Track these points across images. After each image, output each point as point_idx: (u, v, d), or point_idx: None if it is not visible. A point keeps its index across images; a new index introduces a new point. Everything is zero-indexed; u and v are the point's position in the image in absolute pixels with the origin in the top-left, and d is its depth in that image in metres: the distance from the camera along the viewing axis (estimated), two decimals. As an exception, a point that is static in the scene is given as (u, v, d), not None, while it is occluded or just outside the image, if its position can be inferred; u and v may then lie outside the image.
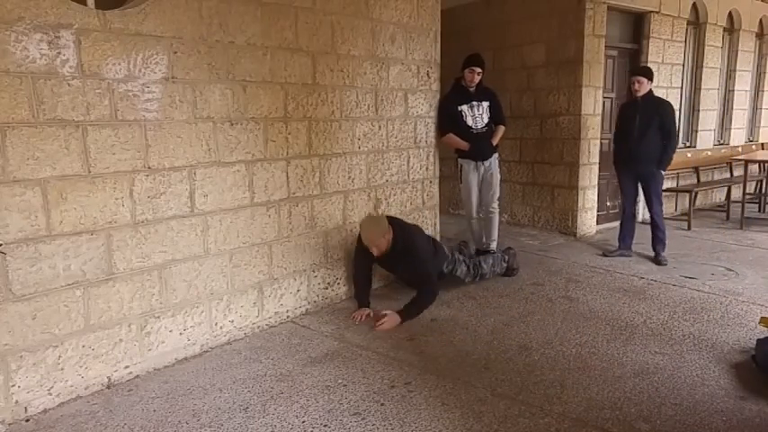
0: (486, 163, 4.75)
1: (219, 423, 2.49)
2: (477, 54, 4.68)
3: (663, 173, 4.94)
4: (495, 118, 4.74)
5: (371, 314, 3.67)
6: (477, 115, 4.66)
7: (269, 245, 3.52)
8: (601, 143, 5.99)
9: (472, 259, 4.41)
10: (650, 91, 4.84)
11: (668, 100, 5.17)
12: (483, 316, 3.73)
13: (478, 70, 4.60)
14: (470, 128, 4.67)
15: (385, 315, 3.54)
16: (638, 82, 4.79)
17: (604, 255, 5.13)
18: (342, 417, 2.52)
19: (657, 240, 4.97)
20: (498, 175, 4.83)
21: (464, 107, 4.66)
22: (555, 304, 3.93)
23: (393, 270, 4.08)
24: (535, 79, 6.06)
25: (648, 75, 4.82)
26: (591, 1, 5.50)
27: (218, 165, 3.20)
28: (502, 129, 4.80)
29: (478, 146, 4.70)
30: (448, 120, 4.65)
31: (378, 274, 4.17)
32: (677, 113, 6.21)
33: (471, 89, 4.66)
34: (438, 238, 4.89)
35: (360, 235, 3.72)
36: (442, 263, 4.08)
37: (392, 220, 3.75)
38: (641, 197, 5.34)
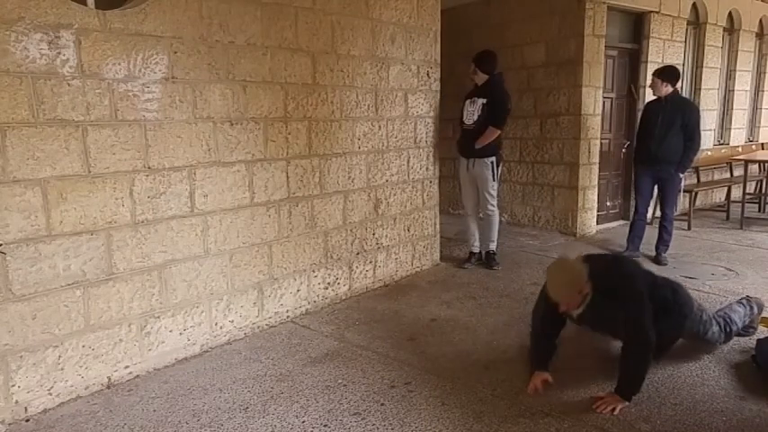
0: (471, 162, 4.68)
1: (219, 423, 2.49)
2: (480, 51, 4.65)
3: (681, 176, 4.90)
4: (488, 117, 4.52)
5: (550, 381, 2.74)
6: (470, 111, 4.63)
7: (269, 245, 3.52)
8: (601, 143, 5.99)
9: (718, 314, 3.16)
10: (675, 91, 4.78)
11: (693, 101, 5.08)
12: (483, 316, 3.73)
13: (472, 67, 4.60)
14: (463, 122, 4.67)
15: (602, 398, 2.60)
16: (652, 82, 4.76)
17: None
18: (342, 417, 2.52)
19: (662, 242, 4.96)
20: (487, 178, 4.62)
21: (466, 101, 4.67)
22: (555, 304, 3.92)
23: (593, 328, 2.90)
24: (535, 79, 6.06)
25: (663, 75, 4.73)
26: (591, 1, 5.50)
27: (218, 165, 3.20)
28: (491, 130, 4.49)
29: (464, 142, 4.69)
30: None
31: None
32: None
33: (478, 84, 4.63)
34: (438, 238, 4.91)
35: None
36: (685, 318, 2.85)
37: (593, 263, 2.67)
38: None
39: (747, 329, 3.28)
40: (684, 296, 2.91)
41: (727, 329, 3.07)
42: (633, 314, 2.57)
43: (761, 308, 3.35)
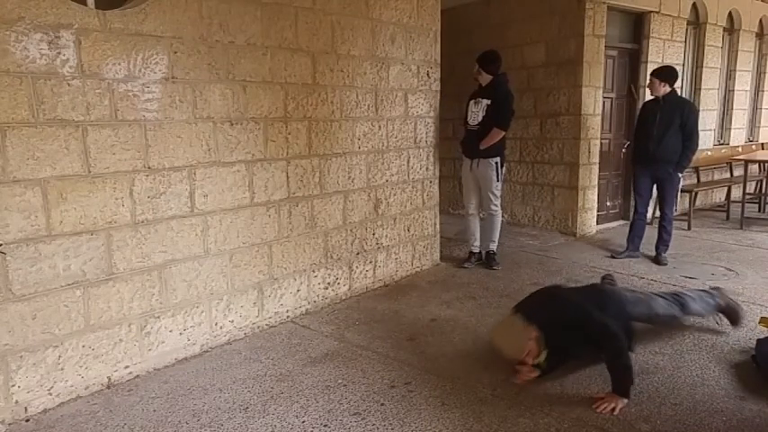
0: (475, 162, 4.69)
1: (219, 423, 2.49)
2: (484, 51, 4.63)
3: (680, 175, 4.91)
4: (493, 118, 4.52)
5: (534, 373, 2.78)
6: (474, 111, 4.63)
7: (269, 245, 3.52)
8: (601, 143, 5.99)
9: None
10: (673, 90, 4.79)
11: (692, 101, 5.08)
12: (483, 316, 3.73)
13: (476, 67, 4.59)
14: (467, 123, 4.69)
15: (601, 398, 2.60)
16: (650, 82, 4.78)
17: (612, 257, 5.10)
18: (342, 417, 2.52)
19: (662, 242, 4.96)
20: (491, 178, 4.62)
21: (471, 101, 4.68)
22: (555, 304, 3.92)
23: (575, 356, 2.94)
24: (535, 79, 6.06)
25: (662, 75, 4.75)
26: (591, 1, 5.50)
27: (218, 165, 3.20)
28: (495, 131, 4.51)
29: (467, 142, 4.70)
30: (465, 113, 4.75)
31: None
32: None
33: (482, 85, 4.62)
34: (438, 238, 4.91)
35: None
36: (624, 303, 2.99)
37: (524, 308, 2.82)
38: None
39: (731, 315, 3.31)
40: (610, 290, 3.18)
41: (680, 301, 3.15)
42: (585, 320, 2.68)
43: (723, 294, 3.38)
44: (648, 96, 5.06)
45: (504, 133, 4.58)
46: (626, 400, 2.56)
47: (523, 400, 2.64)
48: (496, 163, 4.62)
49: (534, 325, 2.66)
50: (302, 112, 3.60)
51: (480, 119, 4.58)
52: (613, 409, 2.51)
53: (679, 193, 5.00)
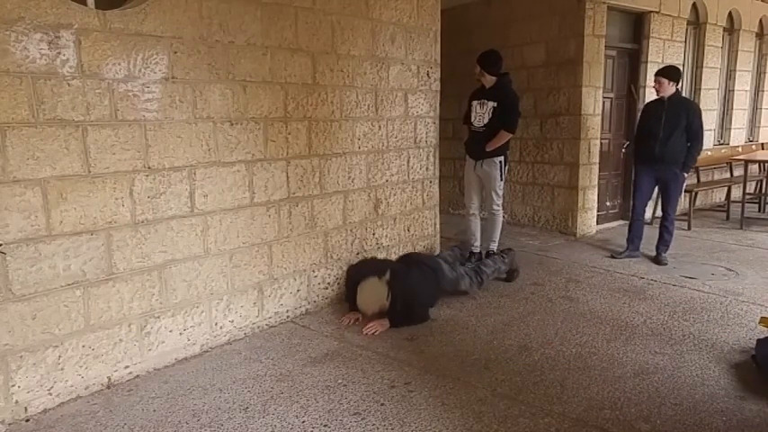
0: (479, 163, 4.69)
1: (219, 423, 2.49)
2: (485, 52, 4.60)
3: (685, 175, 4.92)
4: (500, 120, 4.51)
5: (360, 319, 3.61)
6: (479, 113, 4.62)
7: (269, 245, 3.52)
8: (601, 143, 6.00)
9: (470, 265, 4.38)
10: (677, 91, 4.79)
11: (694, 101, 5.08)
12: (483, 316, 3.73)
13: (477, 69, 4.59)
14: (471, 124, 4.68)
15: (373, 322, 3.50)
16: (658, 83, 4.75)
17: (612, 257, 5.11)
18: (342, 417, 2.52)
19: (663, 242, 4.96)
20: (495, 177, 4.63)
21: (475, 103, 4.66)
22: (555, 304, 3.93)
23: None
24: (535, 79, 6.06)
25: (669, 75, 4.74)
26: (591, 1, 5.50)
27: (218, 165, 3.20)
28: (502, 133, 4.52)
29: (472, 144, 4.70)
30: (466, 113, 4.74)
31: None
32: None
33: (486, 86, 4.61)
34: (438, 238, 4.91)
35: (349, 282, 3.80)
36: (445, 288, 3.97)
37: (394, 280, 3.57)
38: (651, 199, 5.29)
39: (511, 274, 4.46)
40: (444, 276, 3.96)
41: (479, 279, 4.17)
42: (419, 312, 3.66)
43: (513, 258, 4.51)
44: (650, 96, 5.06)
45: (511, 135, 4.60)
46: (387, 326, 3.48)
47: (524, 400, 2.64)
48: (500, 162, 4.63)
49: (391, 297, 3.53)
50: (302, 112, 3.60)
51: (486, 121, 4.55)
52: (375, 332, 3.41)
53: (680, 195, 5.00)
